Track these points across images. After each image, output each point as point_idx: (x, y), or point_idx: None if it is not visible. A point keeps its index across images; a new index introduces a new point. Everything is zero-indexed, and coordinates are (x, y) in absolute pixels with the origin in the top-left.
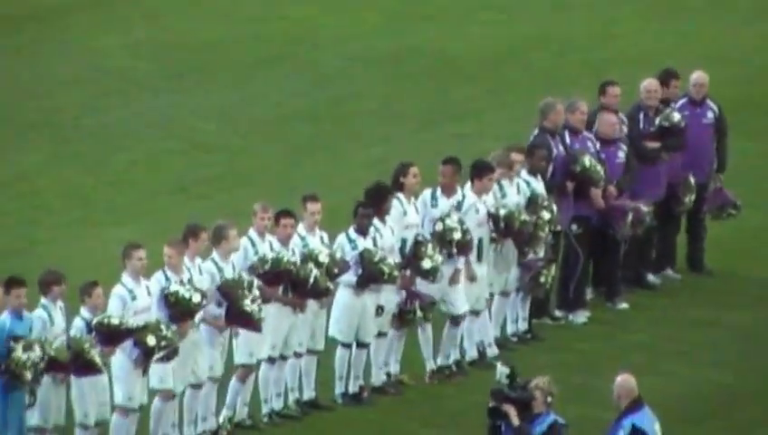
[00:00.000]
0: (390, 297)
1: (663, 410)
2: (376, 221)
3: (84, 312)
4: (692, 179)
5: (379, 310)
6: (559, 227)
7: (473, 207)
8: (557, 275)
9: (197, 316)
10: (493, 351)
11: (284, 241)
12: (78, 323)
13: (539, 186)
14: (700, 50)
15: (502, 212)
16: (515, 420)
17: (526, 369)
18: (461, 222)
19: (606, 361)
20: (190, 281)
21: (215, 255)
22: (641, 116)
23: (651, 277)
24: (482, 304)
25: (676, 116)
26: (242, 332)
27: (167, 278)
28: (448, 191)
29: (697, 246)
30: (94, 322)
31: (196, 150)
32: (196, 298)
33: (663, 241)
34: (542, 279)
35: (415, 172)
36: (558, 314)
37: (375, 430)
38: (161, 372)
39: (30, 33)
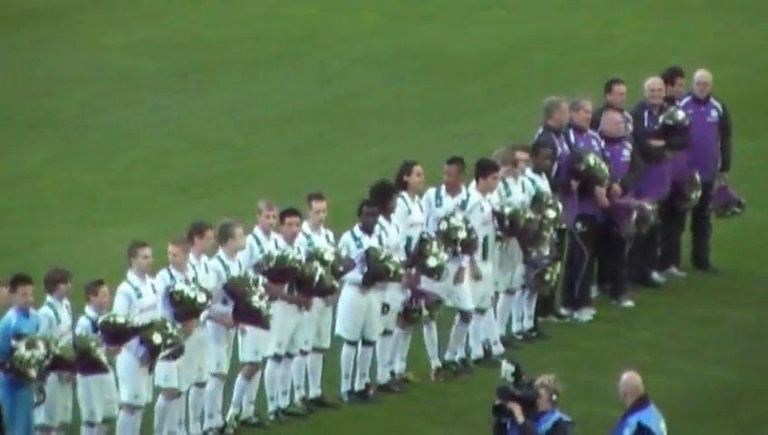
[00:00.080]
0: (396, 295)
1: (668, 407)
2: (381, 219)
3: (89, 310)
4: (698, 177)
5: (385, 308)
6: (564, 226)
7: (477, 206)
8: (562, 273)
9: (203, 314)
10: (498, 349)
11: (290, 240)
12: (83, 321)
13: (544, 184)
14: (701, 49)
15: (507, 210)
16: (520, 418)
17: (532, 367)
18: (466, 221)
19: (611, 358)
20: (195, 279)
21: (221, 253)
22: (645, 114)
23: (656, 275)
24: (487, 303)
25: (680, 114)
26: (248, 329)
27: (171, 277)
28: (453, 190)
29: (702, 244)
30: (100, 321)
31: (199, 150)
32: (201, 298)
33: (668, 239)
34: (548, 277)
35: (418, 171)
36: (563, 311)
37: (381, 427)
38: (166, 371)
39: (33, 33)
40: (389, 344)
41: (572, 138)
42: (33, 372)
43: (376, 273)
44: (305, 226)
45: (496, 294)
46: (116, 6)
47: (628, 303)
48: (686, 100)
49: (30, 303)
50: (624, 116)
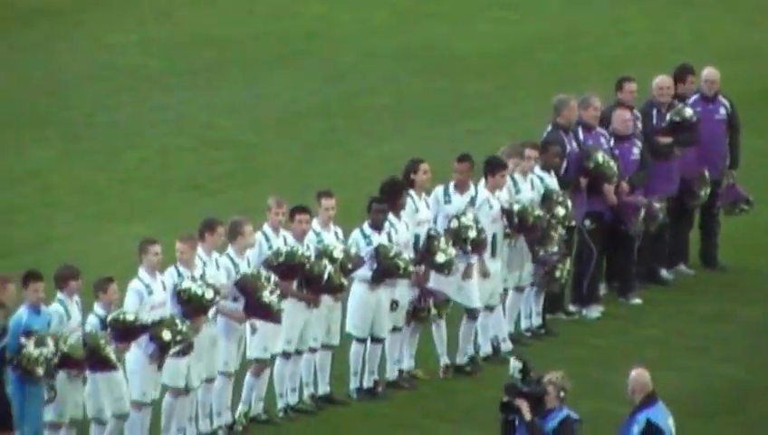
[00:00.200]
0: (405, 292)
1: (676, 404)
2: (391, 216)
3: (98, 308)
4: (707, 174)
5: (394, 305)
6: (573, 223)
7: (486, 203)
8: (571, 270)
9: (211, 311)
10: (507, 346)
11: (299, 237)
12: (92, 319)
13: (552, 182)
14: (711, 46)
15: (515, 208)
16: (528, 415)
17: (540, 364)
18: (476, 220)
19: (619, 355)
20: (203, 276)
21: (230, 250)
22: (654, 112)
23: (664, 273)
24: (496, 300)
25: (688, 111)
26: (259, 326)
27: (179, 274)
28: (461, 187)
29: (711, 241)
30: (109, 318)
31: (209, 147)
32: (209, 294)
33: (676, 237)
34: (558, 274)
35: (425, 169)
36: (572, 309)
37: (389, 424)
38: (173, 370)
39: (42, 30)
40: (398, 341)
41: (581, 135)
42: (40, 371)
43: (385, 270)
44: (315, 223)
45: (505, 291)
46: (126, 4)
47: (637, 300)
48: (694, 97)
49: (41, 299)
50: (633, 114)
